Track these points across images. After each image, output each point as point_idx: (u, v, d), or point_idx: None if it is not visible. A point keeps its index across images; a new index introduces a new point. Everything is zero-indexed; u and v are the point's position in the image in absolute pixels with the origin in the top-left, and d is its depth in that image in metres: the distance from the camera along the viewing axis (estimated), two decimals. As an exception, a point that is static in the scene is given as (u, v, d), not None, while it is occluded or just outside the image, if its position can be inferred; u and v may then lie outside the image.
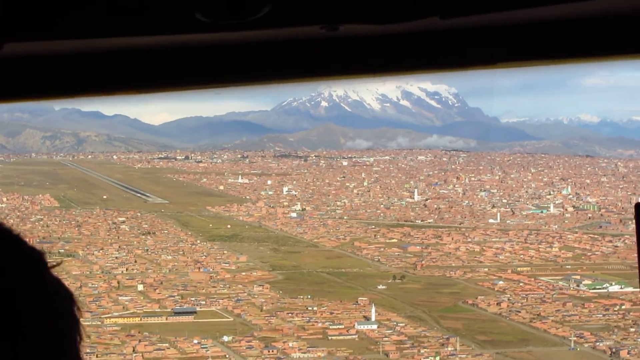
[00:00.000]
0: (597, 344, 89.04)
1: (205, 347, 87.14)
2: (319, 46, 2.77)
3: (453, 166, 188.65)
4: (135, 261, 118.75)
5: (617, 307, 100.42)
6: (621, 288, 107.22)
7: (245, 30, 2.45)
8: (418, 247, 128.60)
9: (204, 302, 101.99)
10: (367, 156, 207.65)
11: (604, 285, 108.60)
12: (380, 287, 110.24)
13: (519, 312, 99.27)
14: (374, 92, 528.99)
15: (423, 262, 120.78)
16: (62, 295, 1.74)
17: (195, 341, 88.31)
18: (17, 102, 3.19)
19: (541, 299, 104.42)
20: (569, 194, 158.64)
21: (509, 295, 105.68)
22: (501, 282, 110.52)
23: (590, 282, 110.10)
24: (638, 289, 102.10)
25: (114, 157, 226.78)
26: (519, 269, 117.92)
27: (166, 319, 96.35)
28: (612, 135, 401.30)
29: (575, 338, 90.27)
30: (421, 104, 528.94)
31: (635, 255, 3.12)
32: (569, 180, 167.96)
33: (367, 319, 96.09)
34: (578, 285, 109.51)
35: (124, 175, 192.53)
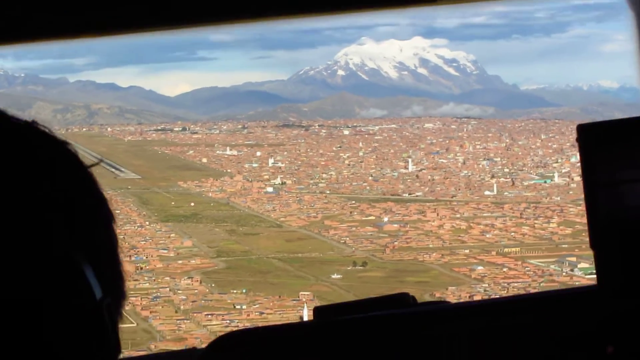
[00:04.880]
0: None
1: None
2: None
3: (460, 134, 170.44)
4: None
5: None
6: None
7: None
8: (396, 225, 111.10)
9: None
10: (372, 125, 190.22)
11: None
12: (335, 276, 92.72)
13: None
14: (391, 60, 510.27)
15: (395, 243, 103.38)
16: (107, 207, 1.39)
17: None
18: None
19: (525, 289, 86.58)
20: (578, 162, 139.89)
21: (486, 285, 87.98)
22: (480, 268, 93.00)
23: (586, 266, 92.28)
24: None
25: (109, 129, 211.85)
26: (506, 249, 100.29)
27: (54, 323, 79.71)
28: (632, 101, 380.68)
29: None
30: (439, 71, 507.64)
31: None
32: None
33: (302, 320, 78.73)
34: (572, 270, 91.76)
35: (108, 149, 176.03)
